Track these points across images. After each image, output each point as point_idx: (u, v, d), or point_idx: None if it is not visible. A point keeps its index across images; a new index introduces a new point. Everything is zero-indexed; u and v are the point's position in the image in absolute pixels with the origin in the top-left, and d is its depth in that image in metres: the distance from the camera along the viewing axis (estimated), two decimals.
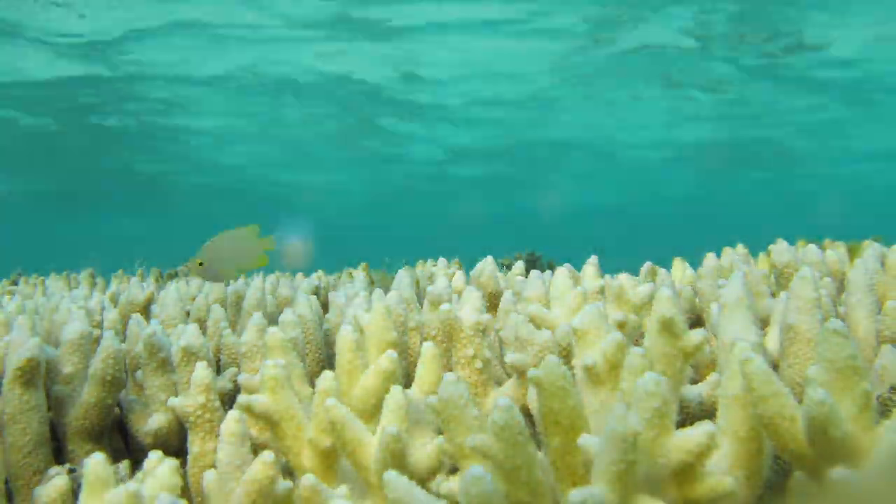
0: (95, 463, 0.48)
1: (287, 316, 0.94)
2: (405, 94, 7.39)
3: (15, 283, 2.21)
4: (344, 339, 0.72)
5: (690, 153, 10.30)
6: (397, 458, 0.59)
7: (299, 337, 0.94)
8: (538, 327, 0.87)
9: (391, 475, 0.49)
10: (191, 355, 0.87)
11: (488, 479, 0.45)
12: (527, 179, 13.17)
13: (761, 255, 1.37)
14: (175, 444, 0.90)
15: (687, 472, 0.53)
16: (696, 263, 1.35)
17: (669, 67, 6.60)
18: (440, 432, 0.66)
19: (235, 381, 0.98)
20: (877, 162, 10.66)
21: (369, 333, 0.80)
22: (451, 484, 0.61)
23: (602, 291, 1.05)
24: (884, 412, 0.71)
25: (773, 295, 1.11)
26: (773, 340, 0.91)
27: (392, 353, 0.70)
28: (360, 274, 1.63)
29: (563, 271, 0.91)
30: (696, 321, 1.15)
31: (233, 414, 0.64)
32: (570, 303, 0.88)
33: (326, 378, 0.66)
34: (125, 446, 0.97)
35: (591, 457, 0.50)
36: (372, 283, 1.53)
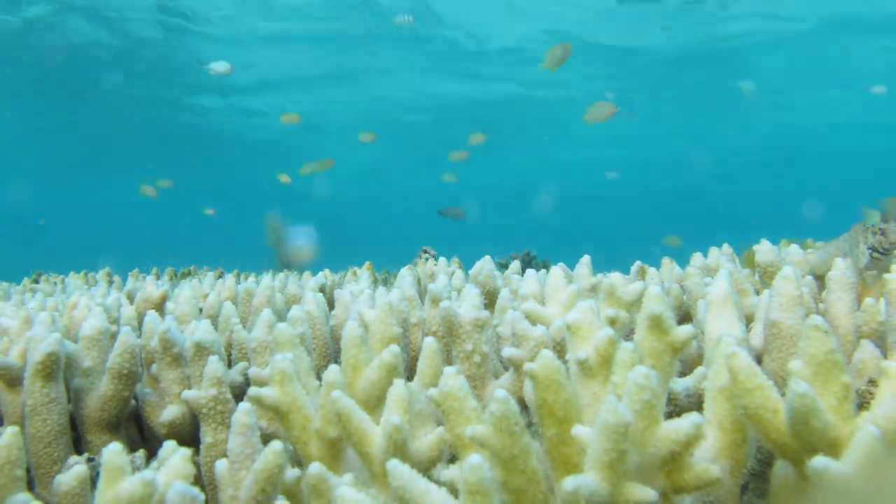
0: (112, 452, 0.49)
1: (295, 312, 0.96)
2: None
3: (36, 281, 2.24)
4: (349, 335, 0.72)
5: None
6: (400, 448, 0.60)
7: (307, 332, 0.96)
8: (534, 323, 0.88)
9: (394, 464, 0.50)
10: (203, 350, 0.89)
11: (486, 468, 0.47)
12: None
13: (746, 255, 1.39)
14: (188, 434, 0.92)
15: (675, 460, 0.54)
16: (684, 262, 1.38)
17: None
18: (441, 423, 0.68)
19: (246, 375, 0.99)
20: None
21: (373, 329, 0.81)
22: (451, 472, 0.62)
23: (594, 289, 1.07)
24: (862, 404, 0.73)
25: (758, 293, 1.12)
26: (757, 336, 0.92)
27: (395, 348, 0.71)
28: (364, 273, 1.64)
29: (557, 270, 0.93)
30: (684, 317, 1.16)
31: (243, 406, 0.65)
32: (563, 300, 0.89)
33: (332, 371, 0.67)
34: (141, 436, 0.99)
35: (584, 446, 0.51)
36: (375, 282, 1.55)
